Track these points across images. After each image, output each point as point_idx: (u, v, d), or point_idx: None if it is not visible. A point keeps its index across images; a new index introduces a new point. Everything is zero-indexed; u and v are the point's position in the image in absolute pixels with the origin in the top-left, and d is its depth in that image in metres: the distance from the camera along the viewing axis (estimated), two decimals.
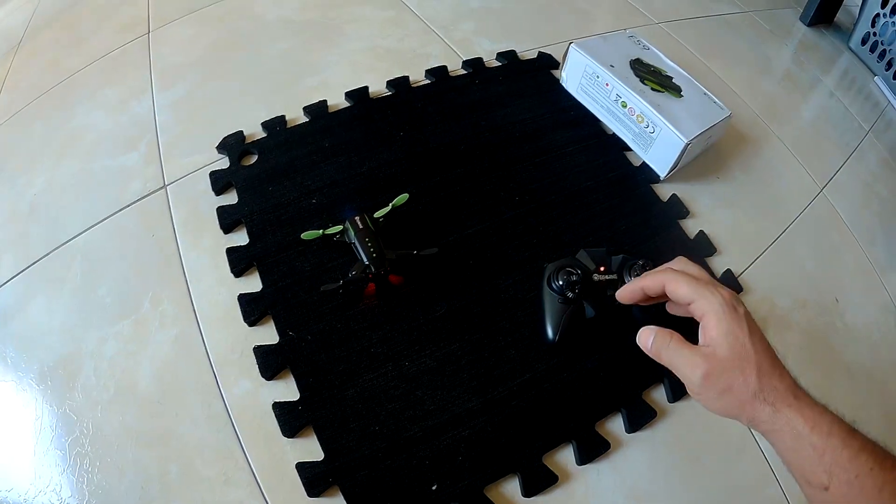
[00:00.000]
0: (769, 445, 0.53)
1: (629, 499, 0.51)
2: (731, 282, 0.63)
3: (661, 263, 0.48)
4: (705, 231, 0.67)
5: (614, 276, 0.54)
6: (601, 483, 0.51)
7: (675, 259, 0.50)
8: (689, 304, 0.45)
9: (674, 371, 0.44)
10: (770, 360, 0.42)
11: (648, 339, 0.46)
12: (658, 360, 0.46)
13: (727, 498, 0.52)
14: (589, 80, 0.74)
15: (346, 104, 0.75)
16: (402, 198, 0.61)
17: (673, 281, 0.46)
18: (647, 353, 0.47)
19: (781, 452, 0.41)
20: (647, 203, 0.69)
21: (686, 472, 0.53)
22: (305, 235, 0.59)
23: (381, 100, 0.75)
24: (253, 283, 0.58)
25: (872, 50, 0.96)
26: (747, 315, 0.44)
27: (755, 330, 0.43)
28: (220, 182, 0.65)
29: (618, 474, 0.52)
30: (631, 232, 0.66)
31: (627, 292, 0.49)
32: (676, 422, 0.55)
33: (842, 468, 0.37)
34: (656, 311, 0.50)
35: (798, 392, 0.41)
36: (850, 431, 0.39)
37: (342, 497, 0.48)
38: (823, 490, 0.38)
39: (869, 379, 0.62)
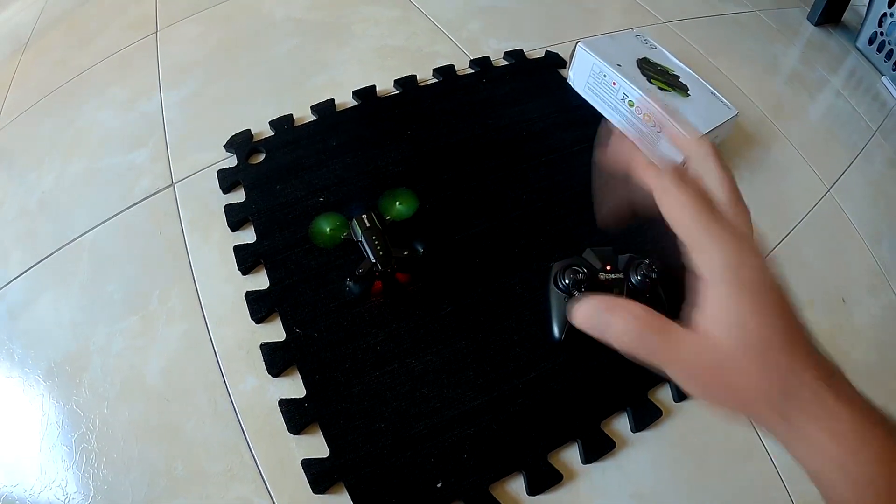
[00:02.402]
0: (775, 447, 0.54)
1: (633, 498, 0.50)
2: None
3: (668, 263, 0.47)
4: None
5: (620, 276, 0.54)
6: (606, 482, 0.51)
7: (693, 141, 0.33)
8: (680, 243, 0.29)
9: (649, 362, 0.28)
10: (788, 351, 0.27)
11: (583, 314, 0.29)
12: (625, 353, 0.28)
13: (732, 499, 0.52)
14: (596, 79, 0.74)
15: (354, 103, 0.75)
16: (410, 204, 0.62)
17: (671, 206, 0.30)
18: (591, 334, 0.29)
19: (799, 460, 0.28)
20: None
21: (691, 472, 0.52)
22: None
23: (389, 98, 0.76)
24: (260, 281, 0.59)
25: (880, 50, 0.96)
26: (755, 277, 0.28)
27: (762, 302, 0.27)
28: (227, 180, 0.66)
29: (622, 474, 0.51)
30: (638, 231, 0.65)
31: (610, 160, 0.34)
32: (682, 421, 0.55)
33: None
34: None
35: (823, 394, 0.27)
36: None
37: (347, 494, 0.48)
38: None
39: (876, 380, 0.61)
